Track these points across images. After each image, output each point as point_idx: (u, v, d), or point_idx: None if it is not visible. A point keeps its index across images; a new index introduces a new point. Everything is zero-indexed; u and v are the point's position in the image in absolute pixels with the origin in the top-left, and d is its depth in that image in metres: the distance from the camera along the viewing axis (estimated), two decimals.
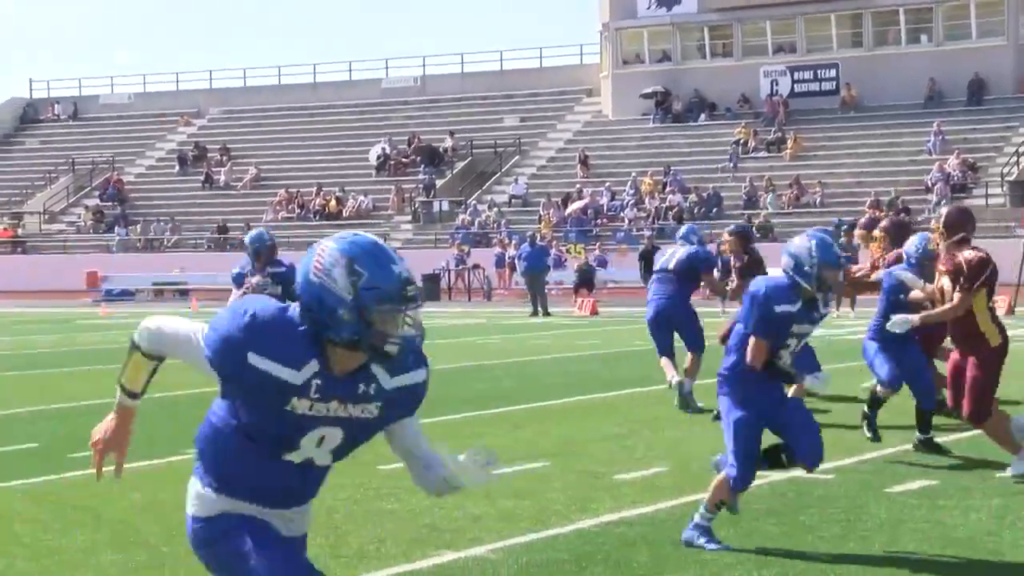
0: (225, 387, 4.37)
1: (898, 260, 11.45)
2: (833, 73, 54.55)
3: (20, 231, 59.45)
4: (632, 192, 51.07)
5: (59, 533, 8.30)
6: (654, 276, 14.73)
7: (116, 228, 57.66)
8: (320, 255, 4.20)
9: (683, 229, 15.14)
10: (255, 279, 13.52)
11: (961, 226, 9.63)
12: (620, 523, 8.37)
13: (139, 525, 8.51)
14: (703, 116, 55.96)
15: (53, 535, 8.25)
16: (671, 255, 14.52)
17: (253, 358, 4.20)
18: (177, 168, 62.55)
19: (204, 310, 38.52)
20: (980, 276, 9.43)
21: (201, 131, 65.58)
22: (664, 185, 50.90)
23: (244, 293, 13.44)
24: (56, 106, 70.04)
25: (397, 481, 9.94)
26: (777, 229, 45.20)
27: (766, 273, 14.92)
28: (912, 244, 11.09)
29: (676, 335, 14.45)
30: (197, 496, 4.54)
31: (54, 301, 45.26)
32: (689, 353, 14.28)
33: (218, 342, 4.29)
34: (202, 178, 60.67)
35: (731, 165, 51.76)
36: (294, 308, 4.27)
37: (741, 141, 53.12)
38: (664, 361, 14.25)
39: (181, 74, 70.53)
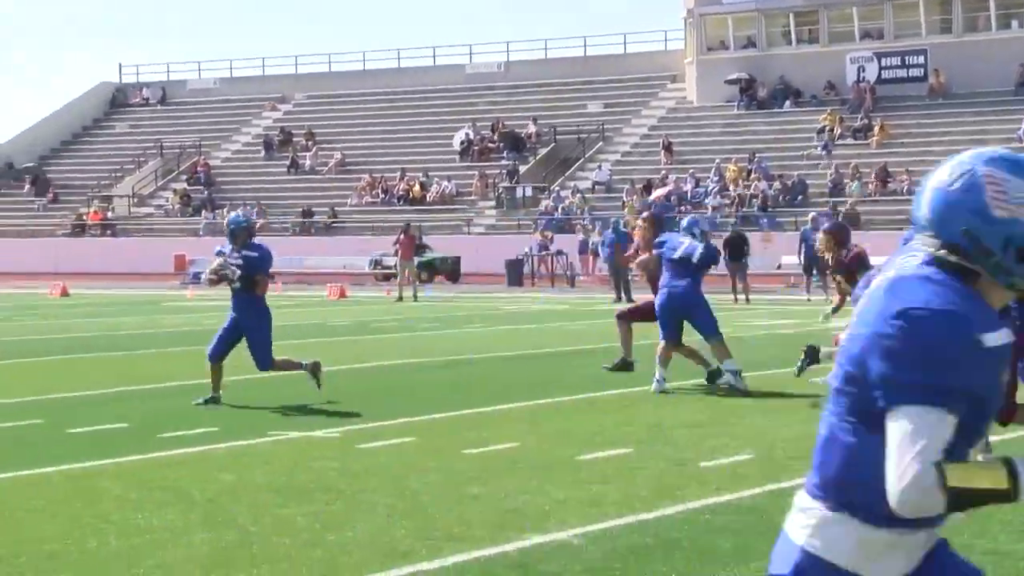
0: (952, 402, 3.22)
1: None
2: (921, 59, 53.92)
3: (110, 214, 60.26)
4: (716, 179, 50.82)
5: (149, 512, 8.41)
6: (671, 264, 14.81)
7: (203, 212, 58.26)
8: (994, 183, 3.32)
9: (687, 220, 15.50)
10: (217, 261, 13.79)
11: None
12: (705, 510, 8.35)
13: (228, 505, 8.61)
14: (788, 103, 55.55)
15: (143, 514, 8.36)
16: (689, 245, 14.76)
17: (988, 339, 3.24)
18: (263, 153, 63.09)
19: (288, 293, 38.84)
20: None
21: (287, 116, 66.08)
22: (749, 172, 50.61)
23: (213, 270, 13.82)
24: (145, 91, 70.89)
25: (483, 464, 10.00)
26: (864, 217, 44.80)
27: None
28: None
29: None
30: (828, 527, 3.36)
31: (142, 283, 45.85)
32: (711, 341, 14.70)
33: (940, 365, 3.20)
34: (287, 163, 61.14)
35: (824, 152, 51.25)
36: (934, 266, 3.34)
37: (827, 128, 52.67)
38: (665, 349, 14.54)
39: (267, 59, 71.13)
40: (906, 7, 54.20)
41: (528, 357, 18.29)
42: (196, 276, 48.34)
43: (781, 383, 14.73)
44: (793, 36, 56.59)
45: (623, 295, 33.93)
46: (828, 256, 14.67)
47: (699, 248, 14.71)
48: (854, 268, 14.38)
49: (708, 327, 14.73)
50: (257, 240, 14.15)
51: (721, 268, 36.13)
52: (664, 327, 14.65)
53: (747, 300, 32.87)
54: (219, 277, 13.75)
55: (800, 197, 48.25)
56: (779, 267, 40.13)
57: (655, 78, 60.82)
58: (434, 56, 66.68)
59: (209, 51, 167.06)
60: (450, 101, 62.92)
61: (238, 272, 13.62)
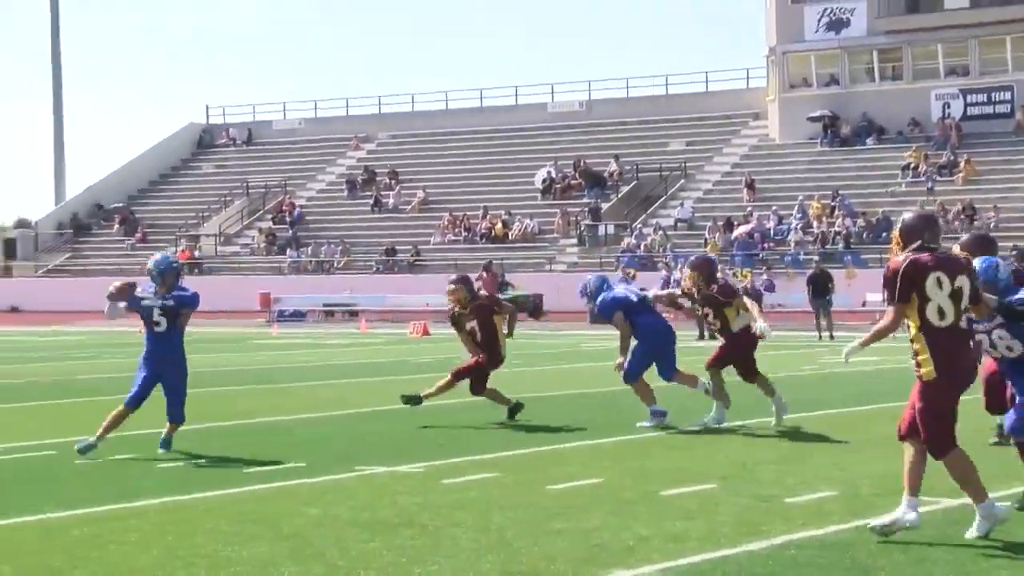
0: None
1: None
2: (1008, 96, 53.45)
3: (197, 253, 61.03)
4: (800, 216, 50.59)
5: (238, 545, 8.55)
6: (645, 306, 15.11)
7: (288, 250, 58.85)
8: None
9: (595, 280, 15.73)
10: (145, 302, 12.84)
11: (917, 233, 8.44)
12: (789, 546, 8.35)
13: (315, 539, 8.72)
14: (871, 140, 55.26)
15: (233, 547, 8.50)
16: (636, 289, 15.73)
17: None
18: (347, 192, 63.64)
19: (372, 331, 39.14)
20: (893, 287, 8.26)
21: (370, 155, 66.66)
22: (832, 209, 50.36)
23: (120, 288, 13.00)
24: (231, 131, 71.81)
25: (566, 500, 10.06)
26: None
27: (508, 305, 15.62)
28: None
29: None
30: None
31: (229, 321, 46.35)
32: (675, 378, 15.08)
33: None
34: (371, 201, 61.63)
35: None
36: None
37: (911, 165, 52.31)
38: (646, 387, 14.87)
39: (351, 100, 71.81)
40: (992, 43, 53.78)
41: (611, 394, 18.31)
42: (281, 313, 48.96)
43: (865, 420, 14.67)
44: (877, 73, 56.31)
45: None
46: (694, 291, 14.69)
47: (648, 290, 15.68)
48: (721, 302, 14.42)
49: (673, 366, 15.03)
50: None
51: (805, 305, 36.08)
52: (649, 365, 14.93)
53: (831, 337, 32.73)
54: (123, 296, 12.92)
55: (884, 234, 47.86)
56: (863, 304, 39.84)
57: (737, 116, 60.76)
58: (516, 95, 67.10)
59: (294, 92, 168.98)
60: (532, 140, 63.20)
61: (163, 319, 12.77)
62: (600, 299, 15.19)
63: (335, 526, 9.16)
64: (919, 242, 8.40)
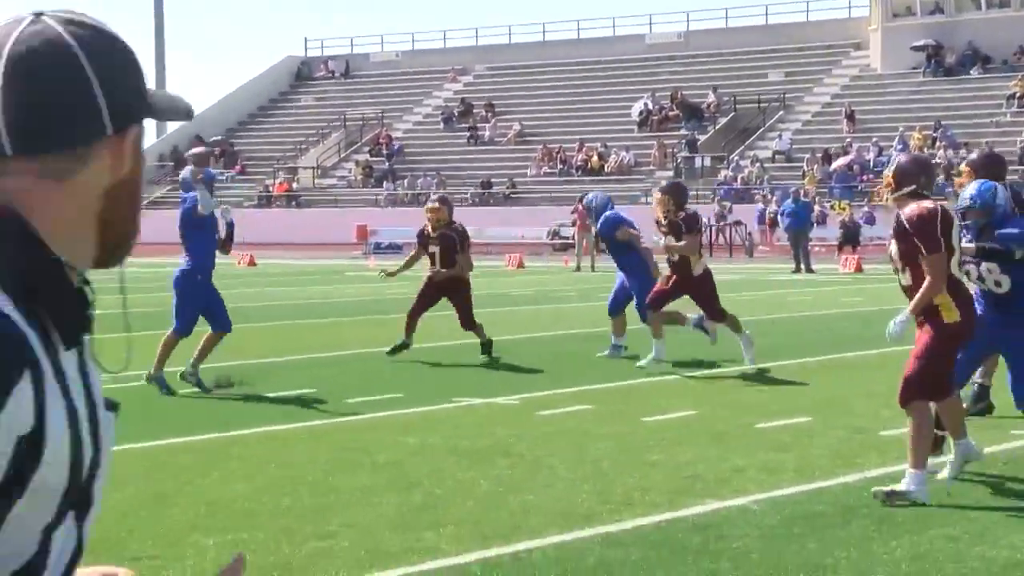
0: None
1: None
2: None
3: (295, 185, 61.54)
4: (900, 147, 49.89)
5: (338, 473, 8.71)
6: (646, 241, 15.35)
7: (384, 183, 59.15)
8: None
9: (601, 196, 15.92)
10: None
11: (912, 178, 7.99)
12: (885, 478, 8.35)
13: (412, 468, 8.86)
14: (976, 69, 54.26)
15: (333, 475, 8.66)
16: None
17: None
18: (443, 124, 63.75)
19: None
20: (934, 234, 7.83)
21: (467, 88, 66.64)
22: (934, 140, 49.62)
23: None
24: (329, 64, 72.10)
25: (660, 433, 10.13)
26: None
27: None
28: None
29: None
30: None
31: (326, 253, 46.78)
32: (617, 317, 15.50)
33: None
34: (467, 134, 61.70)
35: None
36: None
37: (1018, 95, 51.33)
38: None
39: (448, 32, 71.81)
40: None
41: None
42: (378, 246, 49.32)
43: None
44: (983, 1, 55.20)
45: (802, 265, 33.65)
46: (662, 216, 14.20)
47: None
48: (683, 231, 13.97)
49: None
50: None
51: None
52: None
53: None
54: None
55: None
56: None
57: (838, 46, 59.90)
58: (614, 26, 66.69)
59: (392, 24, 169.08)
60: (629, 71, 62.80)
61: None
62: (605, 216, 15.14)
63: (432, 455, 9.30)
64: (913, 187, 8.01)
